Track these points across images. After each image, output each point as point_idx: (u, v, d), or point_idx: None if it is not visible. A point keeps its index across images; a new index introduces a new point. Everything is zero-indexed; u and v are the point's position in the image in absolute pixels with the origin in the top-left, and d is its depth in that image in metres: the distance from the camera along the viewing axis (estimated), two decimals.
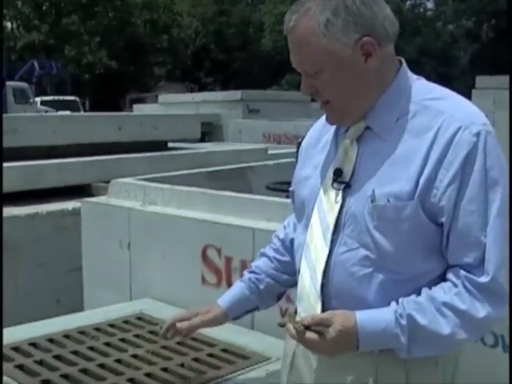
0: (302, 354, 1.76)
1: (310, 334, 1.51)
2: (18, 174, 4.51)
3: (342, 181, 1.60)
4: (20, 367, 2.12)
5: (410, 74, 1.61)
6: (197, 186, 3.04)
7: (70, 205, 4.13)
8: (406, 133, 1.54)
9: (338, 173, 1.61)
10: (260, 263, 1.91)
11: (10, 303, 3.82)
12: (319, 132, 1.78)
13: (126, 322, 2.60)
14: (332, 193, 1.62)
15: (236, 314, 1.94)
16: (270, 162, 4.17)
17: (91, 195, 4.54)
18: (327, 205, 1.63)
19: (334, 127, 1.70)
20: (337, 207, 1.60)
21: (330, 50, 1.50)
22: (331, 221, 1.61)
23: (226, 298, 1.93)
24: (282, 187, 3.54)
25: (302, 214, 1.74)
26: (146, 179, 3.21)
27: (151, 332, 2.49)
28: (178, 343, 2.37)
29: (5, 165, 4.50)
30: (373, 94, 1.57)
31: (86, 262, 3.25)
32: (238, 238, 2.59)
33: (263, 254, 1.93)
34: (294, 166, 4.35)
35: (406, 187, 1.49)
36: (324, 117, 1.72)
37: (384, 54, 1.54)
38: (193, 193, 2.88)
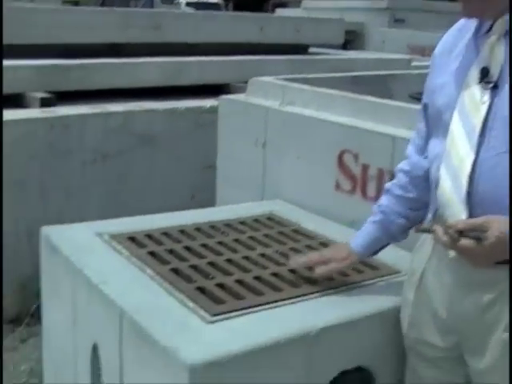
0: (432, 270, 1.67)
1: (465, 240, 1.42)
2: (158, 69, 4.55)
3: (489, 80, 1.48)
4: (152, 254, 2.16)
5: None
6: (339, 90, 2.92)
7: (208, 102, 4.13)
8: None
9: (484, 72, 1.49)
10: (388, 203, 1.87)
11: (145, 193, 3.94)
12: (454, 38, 1.65)
13: (256, 220, 2.58)
14: (477, 93, 1.50)
15: (367, 255, 1.96)
16: (414, 72, 3.94)
17: (226, 92, 4.52)
18: (471, 106, 1.51)
19: (471, 31, 1.57)
20: (483, 108, 1.48)
21: None
22: (477, 122, 1.49)
23: (358, 241, 1.92)
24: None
25: (438, 124, 1.63)
26: (285, 79, 3.11)
27: (280, 233, 2.46)
28: (308, 246, 2.33)
29: (146, 60, 4.56)
30: None
31: (220, 160, 3.24)
32: (377, 145, 2.47)
33: (389, 193, 1.88)
34: None
35: None
36: (458, 23, 1.62)
37: None
38: (333, 95, 2.76)
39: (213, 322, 1.71)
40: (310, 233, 2.47)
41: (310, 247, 2.32)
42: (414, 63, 6.04)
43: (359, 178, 2.55)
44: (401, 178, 1.85)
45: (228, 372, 1.56)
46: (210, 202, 3.84)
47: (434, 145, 1.68)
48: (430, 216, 1.70)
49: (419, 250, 1.76)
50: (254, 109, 2.99)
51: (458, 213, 1.50)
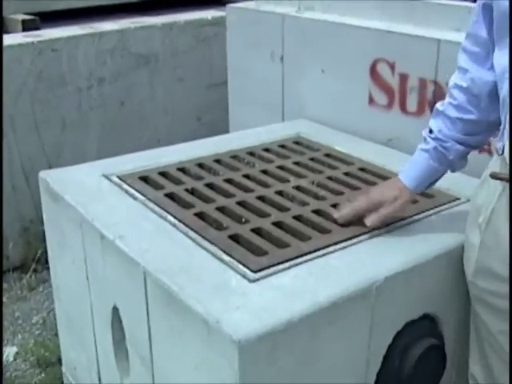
0: (504, 210, 1.37)
1: None
2: None
3: None
4: (171, 196, 1.86)
5: None
6: None
7: (209, 14, 3.74)
8: None
9: None
10: (442, 127, 1.54)
11: (147, 117, 3.61)
12: None
13: (282, 146, 2.27)
14: None
15: (422, 189, 1.64)
16: None
17: (231, 1, 4.12)
18: None
19: None
20: None
21: None
22: None
23: (410, 174, 1.60)
24: None
25: (503, 29, 1.30)
26: None
27: (312, 159, 2.15)
28: (346, 174, 2.03)
29: None
30: None
31: (231, 77, 2.90)
32: (418, 51, 2.13)
33: (442, 115, 1.55)
34: None
35: None
36: None
37: None
38: None
39: (256, 280, 1.42)
40: (345, 157, 2.16)
41: (349, 174, 2.02)
42: None
43: (397, 90, 2.23)
44: (457, 97, 1.52)
45: (283, 342, 1.29)
46: (217, 123, 3.52)
47: (500, 56, 1.36)
48: (502, 145, 1.38)
49: (485, 184, 1.45)
50: (268, 17, 2.62)
51: None
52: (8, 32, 3.50)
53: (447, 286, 1.62)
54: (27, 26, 3.50)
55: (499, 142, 1.38)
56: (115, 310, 1.73)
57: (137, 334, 1.63)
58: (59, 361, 2.48)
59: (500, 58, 1.35)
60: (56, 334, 2.70)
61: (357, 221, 1.66)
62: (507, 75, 1.30)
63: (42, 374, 2.67)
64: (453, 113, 1.53)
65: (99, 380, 1.98)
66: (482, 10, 1.44)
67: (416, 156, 1.62)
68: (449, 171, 1.64)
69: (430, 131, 1.58)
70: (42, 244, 3.26)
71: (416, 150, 1.62)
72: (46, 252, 3.30)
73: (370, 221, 1.62)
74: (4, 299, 3.18)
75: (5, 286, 3.28)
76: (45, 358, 2.70)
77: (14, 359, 2.78)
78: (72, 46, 3.27)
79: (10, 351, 2.82)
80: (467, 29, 1.53)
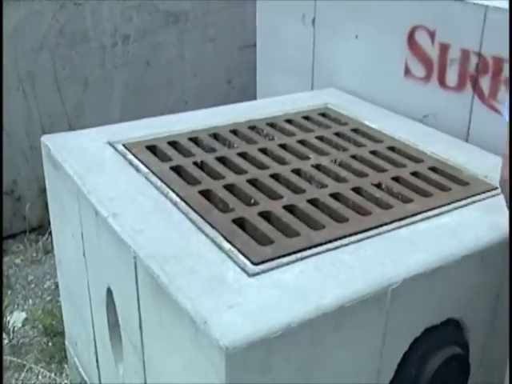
0: None
1: None
2: None
3: None
4: (176, 169, 1.69)
5: None
6: None
7: None
8: None
9: None
10: None
11: (174, 79, 3.44)
12: None
13: (306, 118, 2.08)
14: None
15: None
16: None
17: None
18: None
19: None
20: None
21: None
22: None
23: None
24: None
25: None
26: None
27: (338, 134, 1.97)
28: (373, 153, 1.84)
29: None
30: None
31: (260, 40, 2.70)
32: (462, 18, 1.91)
33: None
34: None
35: None
36: None
37: None
38: None
39: (256, 274, 1.26)
40: (374, 133, 1.97)
41: (376, 154, 1.83)
42: None
43: (436, 61, 2.01)
44: None
45: (279, 350, 1.13)
46: (248, 87, 3.34)
47: None
48: None
49: None
50: None
51: None
52: None
53: (476, 288, 1.44)
54: None
55: None
56: (109, 292, 1.59)
57: (129, 321, 1.49)
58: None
59: None
60: None
61: (379, 205, 1.48)
62: None
63: (49, 344, 2.58)
64: None
65: (97, 361, 1.86)
66: None
67: None
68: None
69: None
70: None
71: None
72: None
73: None
74: (18, 261, 3.10)
75: (21, 247, 3.19)
76: (52, 326, 2.61)
77: (23, 325, 2.70)
78: (96, 1, 3.11)
79: (18, 317, 2.73)
80: None
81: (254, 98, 2.86)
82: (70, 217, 1.77)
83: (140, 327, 1.42)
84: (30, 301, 2.83)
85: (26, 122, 3.06)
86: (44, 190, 3.23)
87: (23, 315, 2.74)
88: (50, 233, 3.19)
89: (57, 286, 2.87)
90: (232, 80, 3.65)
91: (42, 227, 3.22)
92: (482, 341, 1.51)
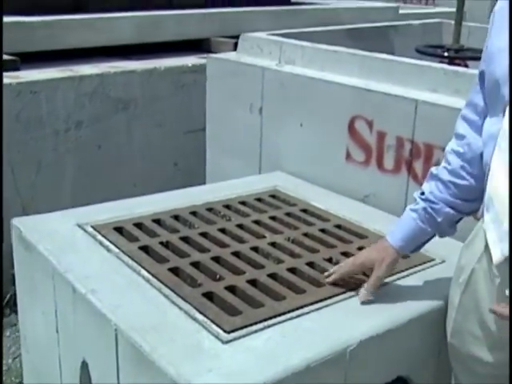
0: (483, 272, 1.38)
1: None
2: (132, 25, 4.15)
3: None
4: (145, 249, 1.84)
5: None
6: (335, 45, 2.58)
7: (189, 61, 3.76)
8: None
9: None
10: (434, 189, 1.53)
11: (123, 162, 3.60)
12: None
13: (259, 199, 2.27)
14: None
15: (409, 250, 1.60)
16: (415, 22, 3.60)
17: (210, 51, 4.15)
18: None
19: None
20: None
21: None
22: None
23: (397, 235, 1.58)
24: (435, 52, 3.03)
25: (496, 98, 1.31)
26: (281, 34, 2.76)
27: (288, 214, 2.15)
28: (322, 231, 2.03)
29: (116, 14, 4.15)
30: None
31: (210, 126, 2.91)
32: (396, 110, 2.16)
33: (436, 178, 1.53)
34: (440, 28, 3.75)
35: None
36: None
37: None
38: (340, 53, 2.43)
39: (229, 341, 1.41)
40: (321, 213, 2.17)
41: (325, 231, 2.02)
42: (402, 11, 5.70)
43: (374, 147, 2.25)
44: (452, 161, 1.51)
45: None
46: (194, 169, 3.52)
47: (490, 123, 1.37)
48: (482, 207, 1.40)
49: (470, 245, 1.47)
50: (248, 69, 2.65)
51: (507, 212, 1.22)
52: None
53: (421, 348, 1.62)
54: (7, 67, 3.49)
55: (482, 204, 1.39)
56: (84, 364, 1.69)
57: None
58: None
59: (489, 125, 1.37)
60: (20, 383, 2.64)
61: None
62: (492, 142, 1.31)
63: None
64: (446, 176, 1.51)
65: None
66: (479, 79, 1.44)
67: (404, 216, 1.59)
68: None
69: (422, 193, 1.57)
70: (11, 287, 3.20)
71: (405, 211, 1.60)
72: (14, 295, 3.24)
73: (362, 296, 1.60)
74: None
75: None
76: None
77: None
78: (51, 89, 3.27)
79: None
80: (468, 97, 1.53)
81: (200, 179, 3.03)
82: (41, 295, 1.88)
83: None
84: None
85: None
86: None
87: None
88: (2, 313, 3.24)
89: (9, 368, 2.90)
90: (178, 163, 3.83)
91: None
92: None
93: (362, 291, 1.60)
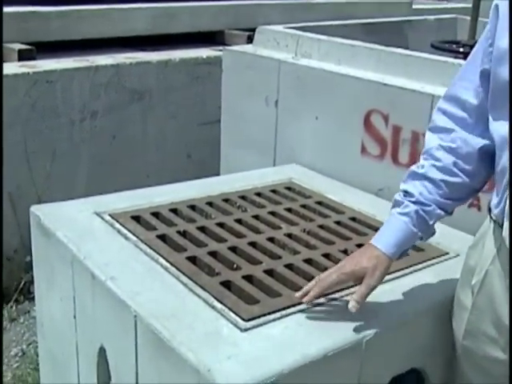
0: (498, 273, 1.37)
1: None
2: (147, 16, 4.18)
3: None
4: (163, 238, 1.86)
5: None
6: (350, 39, 2.59)
7: (203, 53, 3.79)
8: None
9: None
10: (423, 190, 1.46)
11: (137, 153, 3.62)
12: None
13: (274, 191, 2.29)
14: None
15: (399, 254, 1.50)
16: (430, 17, 3.61)
17: (223, 43, 4.18)
18: None
19: None
20: None
21: None
22: None
23: (388, 240, 1.47)
24: (451, 47, 3.03)
25: (502, 99, 1.28)
26: (298, 28, 2.77)
27: (304, 206, 2.17)
28: (338, 223, 2.05)
29: (131, 5, 4.17)
30: None
31: (225, 118, 2.92)
32: (412, 104, 2.17)
33: (423, 177, 1.46)
34: (454, 23, 3.74)
35: None
36: None
37: None
38: (356, 47, 2.44)
39: (248, 329, 1.43)
40: (336, 205, 2.18)
41: (340, 224, 2.04)
42: (415, 6, 5.70)
43: (389, 141, 2.26)
44: (442, 158, 1.44)
45: None
46: (207, 161, 3.54)
47: (498, 125, 1.32)
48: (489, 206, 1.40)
49: (478, 245, 1.45)
50: (264, 62, 2.66)
51: None
52: (4, 61, 3.51)
53: (435, 341, 1.63)
54: (23, 56, 3.52)
55: (496, 209, 1.36)
56: (102, 351, 1.72)
57: (124, 378, 1.62)
58: None
59: (499, 127, 1.31)
60: (35, 368, 2.68)
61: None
62: (507, 145, 1.28)
63: None
64: (436, 174, 1.45)
65: None
66: (481, 75, 1.40)
67: (393, 221, 1.48)
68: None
69: (406, 195, 1.48)
70: (26, 274, 3.24)
71: (390, 215, 1.50)
72: (28, 282, 3.27)
73: (352, 308, 1.43)
74: None
75: None
76: None
77: None
78: (67, 79, 3.30)
79: None
80: (446, 91, 1.50)
81: (212, 171, 3.05)
82: (60, 281, 1.90)
83: (136, 382, 1.56)
84: None
85: None
86: (10, 259, 3.33)
87: None
88: (16, 300, 3.28)
89: (24, 353, 2.94)
90: (191, 154, 3.85)
91: (7, 296, 3.29)
92: None
93: (353, 303, 1.43)
